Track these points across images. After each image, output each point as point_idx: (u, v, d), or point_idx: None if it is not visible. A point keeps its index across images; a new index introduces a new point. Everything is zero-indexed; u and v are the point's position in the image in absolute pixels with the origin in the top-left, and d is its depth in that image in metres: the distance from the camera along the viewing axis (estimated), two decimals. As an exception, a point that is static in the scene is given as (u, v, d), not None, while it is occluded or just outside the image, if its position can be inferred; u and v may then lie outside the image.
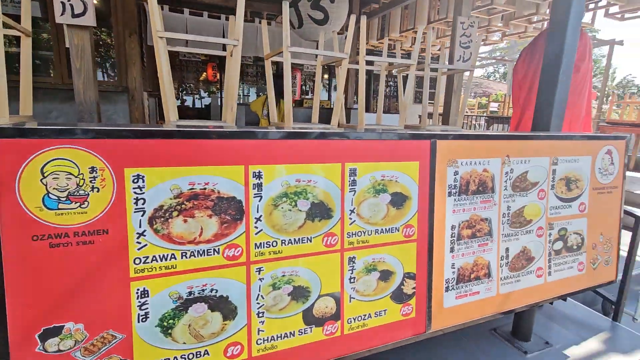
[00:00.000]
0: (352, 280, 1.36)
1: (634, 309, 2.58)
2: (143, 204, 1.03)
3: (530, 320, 2.03)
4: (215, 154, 1.11)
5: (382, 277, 1.41)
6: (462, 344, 2.02)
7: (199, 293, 1.12)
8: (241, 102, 10.66)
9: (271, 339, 1.24)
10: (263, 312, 1.22)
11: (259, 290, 1.21)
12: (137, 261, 1.04)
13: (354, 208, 1.34)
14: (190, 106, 10.45)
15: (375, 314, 1.41)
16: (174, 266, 1.08)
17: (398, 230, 1.43)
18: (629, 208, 2.27)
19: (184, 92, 10.54)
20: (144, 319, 1.06)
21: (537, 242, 1.82)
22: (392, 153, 1.39)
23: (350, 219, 1.33)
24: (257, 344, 1.21)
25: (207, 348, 1.15)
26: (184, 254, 1.09)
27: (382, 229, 1.40)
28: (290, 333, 1.26)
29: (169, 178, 1.06)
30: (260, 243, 1.19)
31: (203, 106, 10.49)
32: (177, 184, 1.07)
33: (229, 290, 1.16)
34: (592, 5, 5.32)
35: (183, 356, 1.12)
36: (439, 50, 8.01)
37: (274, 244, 1.21)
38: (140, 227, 1.03)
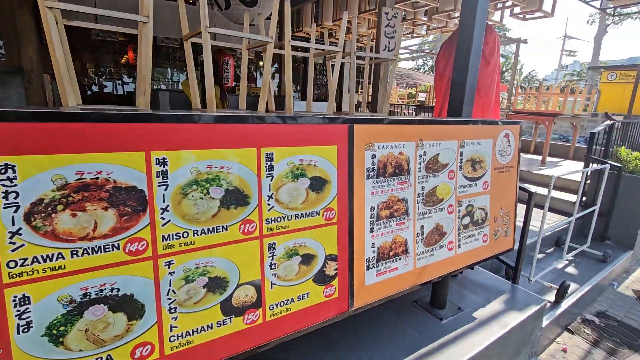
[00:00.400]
0: (272, 266, 1.34)
1: (529, 272, 3.00)
2: (15, 198, 0.89)
3: (444, 290, 2.23)
4: (109, 139, 0.99)
5: (304, 261, 1.42)
6: (385, 317, 2.16)
7: (96, 294, 1.01)
8: (171, 88, 9.90)
9: (186, 335, 1.17)
10: (175, 308, 1.15)
11: (170, 285, 1.13)
12: (12, 264, 0.90)
13: (272, 194, 1.31)
14: (111, 92, 9.40)
15: (298, 297, 1.42)
16: (62, 267, 0.96)
17: (318, 214, 1.45)
18: (523, 185, 2.60)
19: (103, 76, 9.44)
20: (25, 330, 0.93)
21: (448, 219, 1.99)
22: (310, 137, 1.39)
23: (269, 204, 1.31)
24: (170, 341, 1.14)
25: (110, 353, 1.05)
26: (74, 252, 0.97)
27: (302, 214, 1.40)
28: (208, 326, 1.21)
29: (50, 167, 0.92)
30: (169, 235, 1.11)
31: (126, 93, 9.52)
32: (60, 173, 0.94)
33: (134, 288, 1.07)
34: (500, 5, 5.90)
35: (80, 365, 1.01)
36: (373, 40, 8.27)
37: (185, 235, 1.14)
38: (13, 225, 0.89)
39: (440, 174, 1.92)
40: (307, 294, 1.45)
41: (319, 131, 1.42)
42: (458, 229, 2.06)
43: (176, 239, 1.13)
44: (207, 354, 1.22)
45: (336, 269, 1.52)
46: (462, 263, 2.12)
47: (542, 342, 2.66)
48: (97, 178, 0.99)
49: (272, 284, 1.35)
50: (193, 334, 1.19)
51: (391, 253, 1.74)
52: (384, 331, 2.03)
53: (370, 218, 1.63)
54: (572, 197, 4.77)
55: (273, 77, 9.78)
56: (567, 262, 3.78)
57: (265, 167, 1.29)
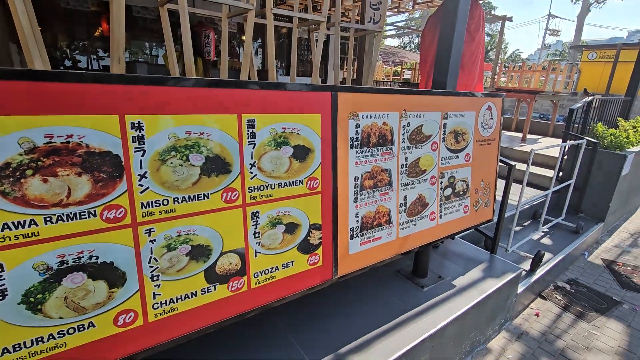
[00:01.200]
0: (256, 235, 1.34)
1: (507, 243, 3.11)
2: (-21, 161, 0.84)
3: (426, 260, 2.30)
4: (80, 101, 0.94)
5: (288, 230, 1.43)
6: (369, 285, 2.22)
7: (74, 262, 0.99)
8: (148, 62, 9.47)
9: (170, 302, 1.17)
10: (158, 275, 1.14)
11: (151, 253, 1.12)
12: (-19, 231, 0.86)
13: (255, 162, 1.29)
14: (86, 67, 8.92)
15: (282, 265, 1.43)
16: (36, 233, 0.93)
17: (302, 183, 1.44)
18: (503, 158, 2.65)
19: (77, 50, 8.92)
20: (0, 298, 0.90)
21: (430, 190, 2.03)
22: (293, 105, 1.36)
23: (251, 173, 1.29)
24: (153, 308, 1.14)
25: (92, 320, 1.04)
26: (48, 219, 0.94)
27: (285, 183, 1.39)
28: (192, 293, 1.22)
29: (15, 129, 0.87)
30: (148, 202, 1.09)
31: (102, 67, 9.05)
32: (27, 136, 0.89)
33: (113, 256, 1.05)
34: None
35: (61, 332, 0.99)
36: (358, 16, 8.07)
37: (165, 202, 1.12)
38: (-22, 189, 0.85)
39: (424, 146, 1.93)
40: (292, 262, 1.46)
41: (302, 99, 1.39)
42: (440, 200, 2.10)
43: (156, 206, 1.10)
44: (192, 321, 1.23)
45: (320, 238, 1.54)
46: (444, 233, 2.17)
47: (517, 307, 2.80)
48: (68, 142, 0.94)
49: (256, 252, 1.35)
50: (177, 301, 1.19)
51: (375, 223, 1.76)
52: (367, 299, 2.08)
53: (354, 188, 1.64)
54: (550, 173, 4.93)
55: (256, 54, 9.49)
56: (542, 233, 3.94)
57: (247, 134, 1.26)
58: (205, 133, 1.17)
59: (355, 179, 1.64)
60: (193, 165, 1.16)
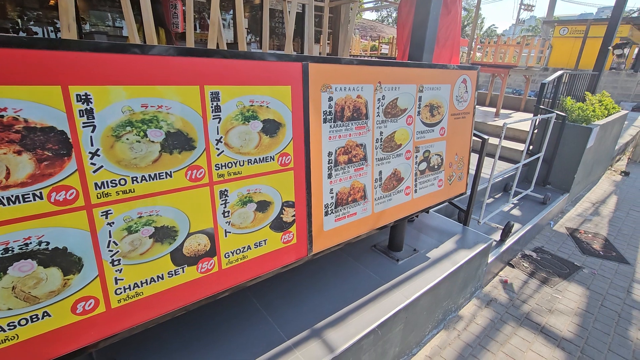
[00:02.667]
0: (226, 214, 1.29)
1: (479, 215, 3.21)
2: None
3: (401, 234, 2.33)
4: (11, 69, 0.83)
5: (260, 208, 1.38)
6: (345, 261, 2.23)
7: (20, 248, 0.91)
8: (109, 33, 8.82)
9: (134, 286, 1.12)
10: (119, 260, 1.07)
11: (110, 236, 1.04)
12: None
13: (221, 137, 1.22)
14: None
15: (255, 244, 1.40)
16: (-29, 220, 0.83)
17: (273, 159, 1.38)
18: (477, 132, 2.68)
19: (31, 21, 8.14)
20: None
21: (406, 164, 2.02)
22: (261, 76, 1.28)
23: (218, 149, 1.22)
24: (116, 294, 1.08)
25: (47, 309, 0.97)
26: (-16, 203, 0.84)
27: (255, 159, 1.33)
28: (159, 277, 1.16)
29: None
30: (103, 182, 1.00)
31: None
32: (-50, 110, 0.78)
33: (66, 241, 0.97)
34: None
35: (12, 324, 0.92)
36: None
37: (122, 182, 1.04)
38: None
39: (399, 119, 1.90)
40: (265, 240, 1.43)
41: (270, 69, 1.30)
42: (415, 175, 2.10)
43: (112, 186, 1.02)
44: (160, 305, 1.18)
45: (294, 216, 1.50)
46: (419, 207, 2.19)
47: (487, 276, 2.92)
48: (2, 116, 0.83)
49: (226, 232, 1.30)
50: (142, 286, 1.13)
51: (350, 199, 1.74)
52: (343, 275, 2.10)
53: (328, 163, 1.60)
54: (521, 146, 5.08)
55: (229, 27, 9.01)
56: (512, 205, 4.10)
57: (212, 107, 1.17)
58: (164, 106, 1.07)
59: (329, 154, 1.59)
60: (152, 142, 1.07)
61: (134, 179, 1.06)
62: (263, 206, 1.39)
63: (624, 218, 4.44)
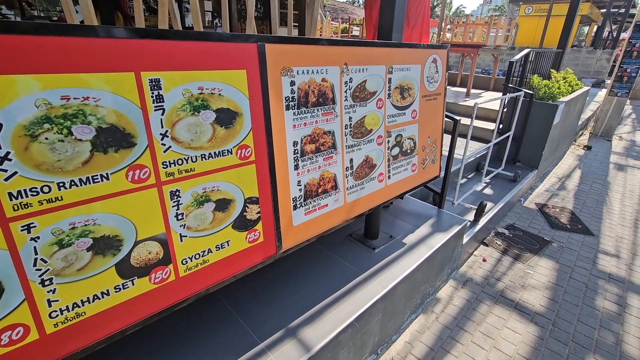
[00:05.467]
0: (179, 216, 1.15)
1: (453, 196, 3.21)
2: None
3: (377, 221, 2.27)
4: None
5: (219, 207, 1.25)
6: (320, 252, 2.15)
7: None
8: (51, 18, 8.12)
9: (74, 307, 0.98)
10: (51, 279, 0.92)
11: (36, 253, 0.89)
12: None
13: (167, 131, 1.07)
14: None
15: (216, 247, 1.27)
16: None
17: (231, 153, 1.25)
18: (449, 113, 2.63)
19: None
20: None
21: (378, 150, 1.93)
22: (210, 60, 1.13)
23: (164, 144, 1.07)
24: (50, 317, 0.94)
25: (-40, 345, 0.82)
26: None
27: (210, 154, 1.19)
28: (103, 293, 1.02)
29: None
30: (19, 192, 0.84)
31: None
32: None
33: (-22, 263, 0.82)
34: None
35: None
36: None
37: (45, 189, 0.88)
38: None
39: (369, 103, 1.80)
40: (228, 242, 1.31)
41: (221, 52, 1.16)
42: (388, 160, 2.02)
43: (32, 195, 0.86)
44: (109, 323, 1.05)
45: (259, 212, 1.39)
46: (393, 193, 2.13)
47: (463, 256, 2.95)
48: None
49: (181, 236, 1.17)
50: (84, 305, 0.99)
51: (320, 190, 1.64)
52: (319, 268, 2.02)
53: (294, 154, 1.48)
54: (492, 125, 5.14)
55: (187, 10, 8.50)
56: (485, 184, 4.16)
57: (152, 97, 1.02)
58: (91, 98, 0.91)
59: (295, 143, 1.48)
60: (80, 140, 0.91)
61: (61, 184, 0.90)
62: (223, 205, 1.26)
63: (588, 191, 4.63)
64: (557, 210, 4.04)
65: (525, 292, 2.66)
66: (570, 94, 5.19)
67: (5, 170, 0.82)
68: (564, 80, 5.17)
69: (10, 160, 0.82)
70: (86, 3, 1.91)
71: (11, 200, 0.83)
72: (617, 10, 15.21)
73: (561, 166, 5.60)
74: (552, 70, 5.45)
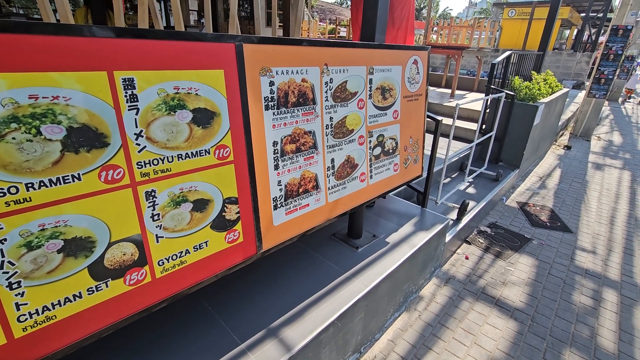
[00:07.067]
0: (155, 217, 1.14)
1: (436, 196, 3.26)
2: None
3: (360, 221, 2.29)
4: None
5: (197, 208, 1.25)
6: (303, 252, 2.16)
7: None
8: (29, 15, 7.97)
9: (44, 310, 0.96)
10: (19, 282, 0.90)
11: (3, 256, 0.87)
12: None
13: (141, 131, 1.06)
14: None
15: (194, 248, 1.27)
16: None
17: (209, 153, 1.24)
18: (430, 114, 2.67)
19: None
20: None
21: (359, 150, 1.95)
22: (186, 59, 1.12)
23: (138, 144, 1.06)
24: (19, 321, 0.92)
25: None
26: None
27: (187, 154, 1.18)
28: (75, 296, 1.01)
29: None
30: (-16, 192, 0.82)
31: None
32: None
33: (-60, 267, 0.79)
34: None
35: None
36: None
37: (13, 190, 0.86)
38: None
39: (350, 103, 1.81)
40: (206, 242, 1.30)
41: (198, 52, 1.15)
42: (370, 160, 2.04)
43: (-1, 196, 0.84)
44: (81, 327, 1.03)
45: (238, 212, 1.38)
46: (375, 193, 2.15)
47: (445, 254, 3.00)
48: None
49: (157, 237, 1.16)
50: (54, 308, 0.97)
51: (300, 190, 1.65)
52: (301, 268, 2.03)
53: (274, 154, 1.49)
54: (475, 126, 5.23)
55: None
56: (468, 183, 4.23)
57: (125, 97, 1.01)
58: (61, 97, 0.90)
59: (275, 143, 1.48)
60: (50, 140, 0.90)
61: (29, 185, 0.88)
62: (201, 205, 1.26)
63: (567, 189, 4.76)
64: (538, 208, 4.15)
65: (505, 288, 2.72)
66: (550, 95, 5.33)
67: (-31, 171, 0.80)
68: (545, 82, 5.30)
69: (-26, 160, 0.80)
70: (61, 1, 1.87)
71: (-24, 201, 0.81)
72: (595, 14, 15.70)
73: (542, 165, 5.74)
74: (533, 72, 5.59)
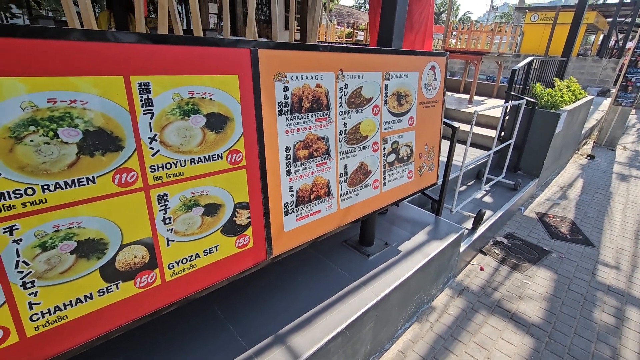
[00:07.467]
0: (167, 221, 1.15)
1: (451, 204, 3.19)
2: None
3: (372, 228, 2.25)
4: None
5: (208, 212, 1.25)
6: (313, 258, 2.14)
7: None
8: (56, 18, 8.23)
9: (55, 310, 0.97)
10: (32, 281, 0.92)
11: (18, 256, 0.89)
12: None
13: (155, 135, 1.07)
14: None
15: (204, 252, 1.27)
16: None
17: (221, 158, 1.24)
18: (449, 121, 2.62)
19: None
20: None
21: (373, 157, 1.92)
22: (201, 64, 1.13)
23: (152, 148, 1.07)
24: (31, 320, 0.93)
25: (-62, 347, 0.82)
26: None
27: (199, 158, 1.19)
28: (87, 297, 1.02)
29: None
30: (2, 194, 0.84)
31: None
32: None
33: (-42, 265, 0.81)
34: None
35: None
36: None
37: (29, 191, 0.88)
38: None
39: (364, 109, 1.79)
40: (216, 247, 1.30)
41: (213, 57, 1.15)
42: (383, 167, 2.01)
43: (16, 197, 0.86)
44: (91, 327, 1.04)
45: (249, 217, 1.38)
46: (388, 201, 2.12)
47: (459, 265, 2.92)
48: None
49: (168, 240, 1.16)
50: (66, 309, 0.99)
51: (312, 196, 1.63)
52: (311, 274, 2.01)
53: (286, 160, 1.48)
54: (493, 133, 5.11)
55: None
56: (484, 192, 4.13)
57: (141, 101, 1.02)
58: (78, 101, 0.91)
59: (287, 149, 1.47)
60: (66, 143, 0.91)
61: (45, 187, 0.90)
62: (212, 209, 1.26)
63: (590, 201, 4.58)
64: (558, 219, 4.00)
65: (522, 302, 2.62)
66: (573, 102, 5.15)
67: (-12, 172, 0.82)
68: (568, 89, 5.14)
69: (-7, 162, 0.82)
70: (85, 5, 1.92)
71: (-6, 202, 0.83)
72: (623, 19, 15.15)
73: (563, 175, 5.56)
74: (555, 79, 5.42)
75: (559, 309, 2.57)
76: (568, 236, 3.65)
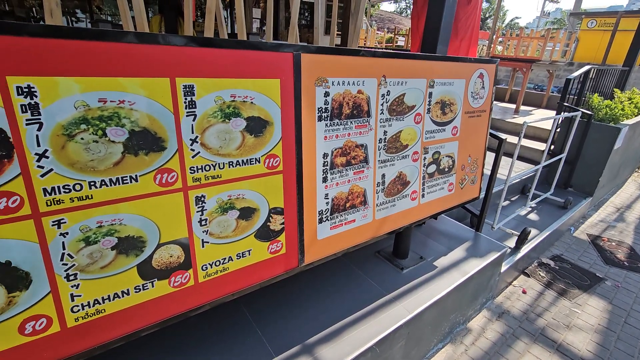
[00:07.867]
0: (203, 222, 1.15)
1: (493, 219, 3.00)
2: None
3: (407, 240, 2.16)
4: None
5: (243, 216, 1.24)
6: (345, 268, 2.08)
7: (-47, 263, 0.79)
8: (113, 22, 8.84)
9: (95, 303, 1.00)
10: (75, 274, 0.95)
11: (64, 248, 0.92)
12: None
13: (197, 137, 1.08)
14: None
15: (237, 255, 1.26)
16: None
17: (259, 162, 1.23)
18: (495, 132, 2.46)
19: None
20: None
21: (412, 167, 1.84)
22: (244, 68, 1.13)
23: (193, 150, 1.08)
24: (72, 312, 0.97)
25: (-12, 330, 0.86)
26: None
27: (237, 161, 1.18)
28: (124, 292, 1.04)
29: None
30: (53, 188, 0.88)
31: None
32: None
33: (12, 254, 0.85)
34: None
35: (-54, 347, 0.82)
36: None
37: (77, 187, 0.91)
38: None
39: (406, 117, 1.72)
40: (249, 251, 1.29)
41: (256, 61, 1.15)
42: (423, 178, 1.92)
43: (65, 192, 0.89)
44: (126, 323, 1.06)
45: (283, 223, 1.36)
46: (426, 213, 2.02)
47: (500, 285, 2.73)
48: None
49: (203, 242, 1.17)
50: (104, 302, 1.01)
51: (347, 204, 1.59)
52: (342, 283, 1.95)
53: (323, 166, 1.44)
54: (542, 146, 4.78)
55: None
56: (530, 209, 3.85)
57: (185, 103, 1.03)
58: (126, 101, 0.94)
59: (325, 155, 1.44)
60: (113, 142, 0.94)
61: (92, 183, 0.93)
62: (247, 213, 1.25)
63: (653, 225, 4.13)
64: (614, 244, 3.64)
65: (570, 333, 2.39)
66: (636, 116, 4.70)
67: (42, 167, 0.85)
68: (630, 101, 4.69)
69: (47, 157, 0.86)
70: (139, 9, 2.02)
71: (45, 195, 0.87)
72: (697, 25, 13.69)
73: (620, 195, 5.07)
74: (615, 89, 4.97)
75: (613, 345, 2.31)
76: (625, 263, 3.30)
